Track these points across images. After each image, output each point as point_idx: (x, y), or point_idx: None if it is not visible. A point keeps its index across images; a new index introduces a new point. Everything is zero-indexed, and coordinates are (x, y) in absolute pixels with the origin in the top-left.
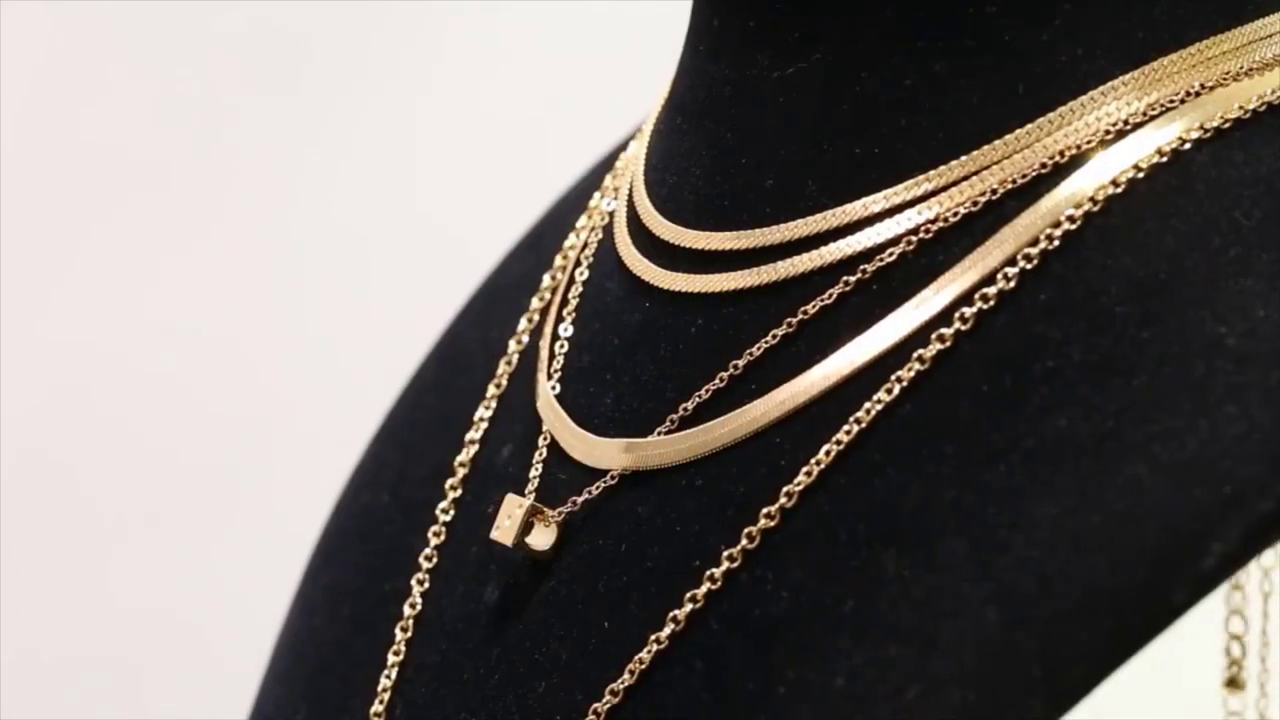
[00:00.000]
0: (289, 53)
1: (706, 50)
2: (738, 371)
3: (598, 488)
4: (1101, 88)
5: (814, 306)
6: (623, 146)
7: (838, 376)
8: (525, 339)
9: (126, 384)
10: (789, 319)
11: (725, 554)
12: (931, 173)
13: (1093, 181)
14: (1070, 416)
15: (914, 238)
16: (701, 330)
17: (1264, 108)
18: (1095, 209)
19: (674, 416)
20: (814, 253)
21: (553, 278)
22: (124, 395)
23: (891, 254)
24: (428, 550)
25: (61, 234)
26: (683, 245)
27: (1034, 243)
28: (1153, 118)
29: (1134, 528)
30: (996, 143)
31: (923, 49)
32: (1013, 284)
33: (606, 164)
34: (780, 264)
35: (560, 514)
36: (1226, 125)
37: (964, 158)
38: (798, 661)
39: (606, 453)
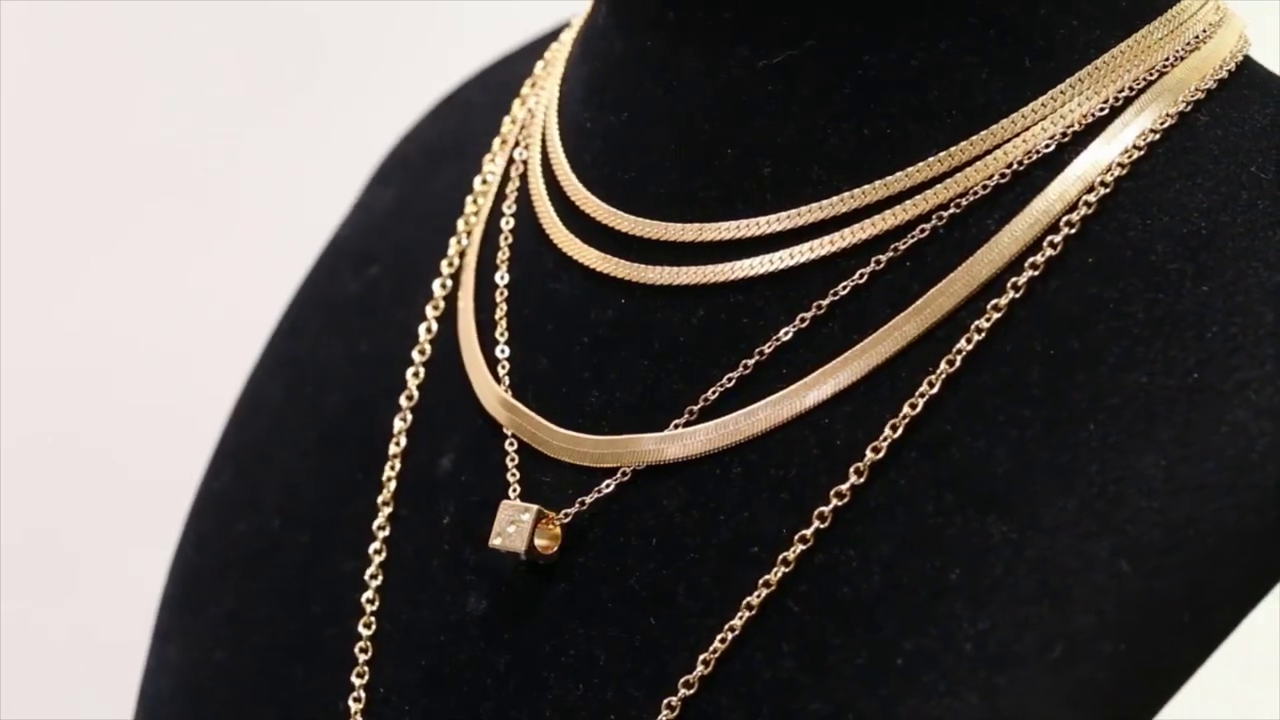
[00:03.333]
0: (304, 52)
1: (660, 45)
2: (763, 358)
3: (607, 485)
4: (1104, 56)
5: (845, 287)
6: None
7: (889, 353)
8: (429, 349)
9: (158, 374)
10: (817, 301)
11: (797, 536)
12: (954, 149)
13: (1115, 147)
14: (1150, 372)
15: (944, 213)
16: (705, 321)
17: (1234, 67)
18: (1123, 172)
19: (693, 408)
20: (836, 234)
21: (443, 286)
22: (155, 386)
23: (923, 230)
24: (371, 569)
25: (95, 232)
26: (665, 239)
27: (1072, 208)
28: (1151, 83)
29: (1252, 471)
30: (1015, 116)
31: (926, 28)
32: (1059, 249)
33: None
34: (797, 248)
35: (567, 515)
36: (1214, 86)
37: (984, 132)
38: (911, 632)
39: (611, 450)
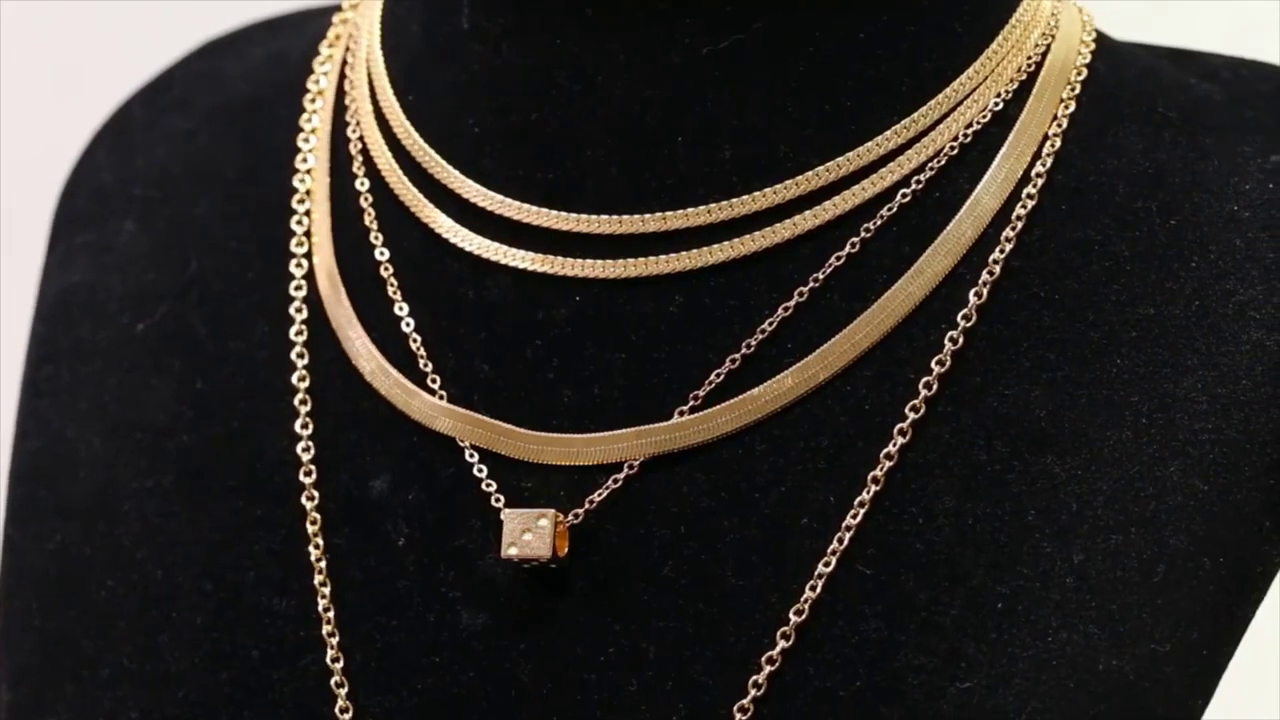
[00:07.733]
0: None
1: (574, 42)
2: (766, 335)
3: (615, 481)
4: (1014, 16)
5: (839, 258)
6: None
7: (901, 314)
8: (310, 376)
9: None
10: (814, 274)
11: (857, 500)
12: (915, 115)
13: (1052, 98)
14: (1154, 304)
15: (921, 176)
16: (686, 308)
17: (1093, 27)
18: (1067, 122)
19: (698, 392)
20: (819, 208)
21: (298, 310)
22: None
23: (905, 195)
24: (323, 602)
25: None
26: (620, 233)
27: (1034, 160)
28: (1054, 38)
29: None
30: (961, 78)
31: (867, 2)
32: (1035, 200)
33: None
34: (780, 225)
35: (577, 516)
36: (1095, 36)
37: (940, 95)
38: (1003, 575)
39: (613, 446)
